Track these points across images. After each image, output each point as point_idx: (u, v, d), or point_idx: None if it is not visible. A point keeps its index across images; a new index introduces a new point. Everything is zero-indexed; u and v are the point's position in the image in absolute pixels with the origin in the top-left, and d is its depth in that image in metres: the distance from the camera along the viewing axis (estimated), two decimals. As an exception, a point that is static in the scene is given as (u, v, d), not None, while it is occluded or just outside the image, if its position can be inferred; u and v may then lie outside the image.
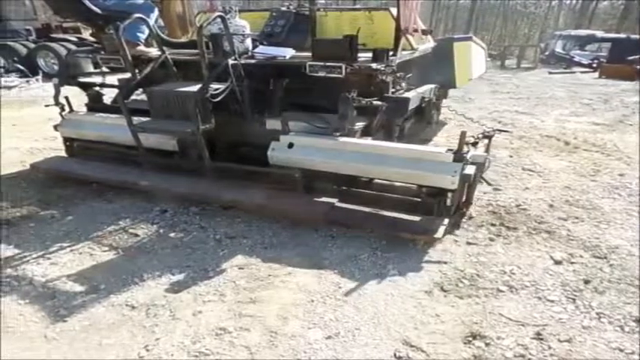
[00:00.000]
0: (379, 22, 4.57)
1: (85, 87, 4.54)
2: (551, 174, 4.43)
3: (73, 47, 10.53)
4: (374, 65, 3.40)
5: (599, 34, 16.67)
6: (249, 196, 3.40)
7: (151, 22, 4.24)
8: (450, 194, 3.10)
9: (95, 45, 12.07)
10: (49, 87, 9.50)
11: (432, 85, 4.75)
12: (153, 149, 3.91)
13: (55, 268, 2.72)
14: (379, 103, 3.60)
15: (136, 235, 3.13)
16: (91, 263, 2.79)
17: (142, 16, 3.82)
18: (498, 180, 4.25)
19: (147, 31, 4.29)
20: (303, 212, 3.21)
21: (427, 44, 4.80)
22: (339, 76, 3.43)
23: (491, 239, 3.11)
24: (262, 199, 3.32)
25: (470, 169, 3.01)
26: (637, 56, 12.41)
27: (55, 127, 4.37)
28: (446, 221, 3.03)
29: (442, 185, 3.04)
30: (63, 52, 10.43)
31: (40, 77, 10.13)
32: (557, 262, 2.83)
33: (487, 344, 2.09)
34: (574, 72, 13.40)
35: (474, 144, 3.79)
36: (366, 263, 2.79)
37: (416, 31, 3.85)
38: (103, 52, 4.35)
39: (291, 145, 3.44)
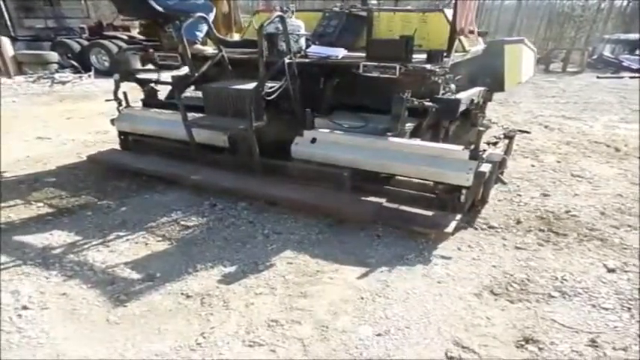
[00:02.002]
0: (433, 24, 4.55)
1: (142, 83, 4.72)
2: (602, 181, 4.30)
3: (123, 45, 10.92)
4: (428, 66, 3.40)
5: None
6: (297, 193, 3.45)
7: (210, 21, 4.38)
8: (464, 191, 3.19)
9: (144, 43, 12.49)
10: (101, 82, 9.96)
11: (481, 88, 4.69)
12: (204, 145, 4.03)
13: (114, 256, 2.85)
14: (430, 104, 3.59)
15: (188, 227, 3.24)
16: (147, 252, 2.90)
17: (204, 15, 3.94)
18: (546, 185, 4.16)
19: (204, 30, 4.43)
20: (352, 211, 3.24)
21: (478, 46, 4.74)
22: (393, 76, 3.45)
23: (540, 244, 3.06)
24: (311, 197, 3.37)
25: (485, 167, 3.10)
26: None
27: (112, 121, 4.56)
28: (458, 217, 3.12)
29: (457, 182, 3.13)
30: (114, 49, 10.84)
31: (92, 73, 10.56)
32: (611, 270, 2.76)
33: (540, 349, 2.07)
34: (622, 77, 12.87)
35: (495, 144, 3.75)
36: (414, 263, 2.80)
37: (472, 32, 3.81)
38: (160, 50, 4.51)
39: (314, 140, 3.53)
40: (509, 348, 2.09)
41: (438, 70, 3.44)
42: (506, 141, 4.21)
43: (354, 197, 3.37)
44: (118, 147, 4.68)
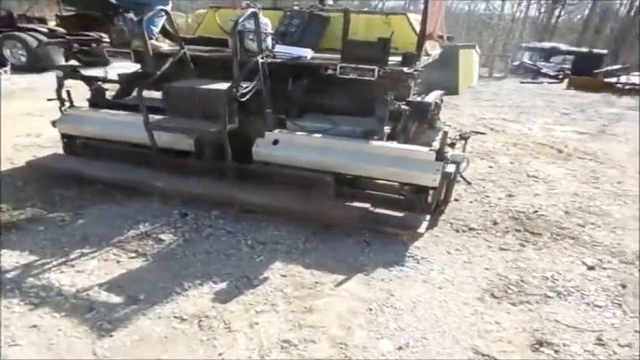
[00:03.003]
0: (396, 27, 4.55)
1: (89, 81, 4.27)
2: (555, 181, 4.55)
3: (43, 38, 9.95)
4: (405, 69, 3.39)
5: (563, 47, 17.47)
6: (278, 199, 3.29)
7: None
8: (431, 192, 3.23)
9: (67, 36, 11.49)
10: (18, 79, 8.96)
11: (441, 92, 4.79)
12: (166, 149, 3.72)
13: (83, 277, 2.51)
14: (405, 107, 3.59)
15: (161, 241, 2.95)
16: (121, 271, 2.60)
17: (165, 9, 3.64)
18: (508, 186, 4.33)
19: (160, 25, 4.10)
20: (339, 216, 3.14)
21: (437, 50, 4.84)
22: (371, 79, 3.40)
23: (522, 245, 3.15)
24: (294, 203, 3.22)
25: (450, 168, 3.17)
26: (604, 69, 13.08)
27: (53, 123, 4.08)
28: (428, 217, 3.16)
29: (424, 183, 3.17)
30: (33, 42, 9.83)
31: (8, 69, 9.50)
32: (590, 268, 2.89)
33: (556, 351, 2.10)
34: (542, 82, 13.95)
35: (452, 145, 3.86)
36: (409, 269, 2.76)
37: (441, 37, 3.86)
38: (101, 45, 4.13)
39: (276, 142, 3.42)
40: (527, 352, 2.10)
41: (414, 72, 3.44)
42: (463, 142, 4.33)
43: (338, 202, 3.27)
44: (58, 151, 4.20)
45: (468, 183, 3.82)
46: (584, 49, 16.95)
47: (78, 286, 2.42)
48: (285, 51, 4.01)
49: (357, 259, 2.86)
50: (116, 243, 2.90)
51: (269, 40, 4.00)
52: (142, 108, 3.48)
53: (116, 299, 2.33)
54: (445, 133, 3.26)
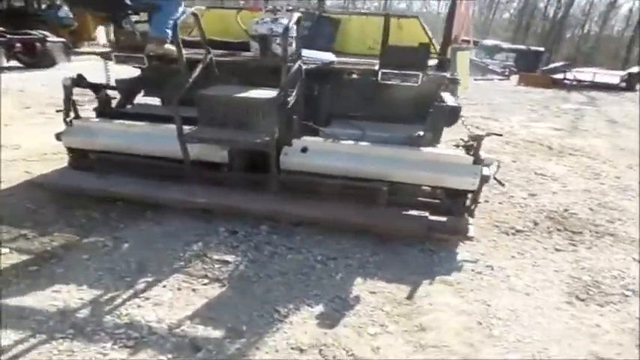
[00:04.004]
0: (408, 30, 4.57)
1: (96, 89, 3.89)
2: (562, 178, 4.79)
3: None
4: (447, 75, 3.40)
5: (505, 44, 18.47)
6: (332, 211, 3.18)
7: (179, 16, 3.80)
8: (469, 195, 3.23)
9: (9, 35, 10.53)
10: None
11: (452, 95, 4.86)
12: (195, 161, 3.48)
13: (165, 310, 2.29)
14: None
15: (226, 262, 2.76)
16: (202, 300, 2.39)
17: (194, 11, 3.40)
18: (524, 185, 4.50)
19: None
20: (405, 228, 3.08)
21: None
22: (414, 84, 3.38)
23: (572, 244, 3.28)
24: (350, 215, 3.12)
25: (487, 171, 3.17)
26: (550, 67, 13.97)
27: (58, 136, 3.68)
28: (471, 221, 3.17)
29: (464, 187, 3.16)
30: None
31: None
32: (643, 264, 3.06)
33: (666, 350, 2.19)
34: (492, 79, 14.66)
35: (468, 147, 3.95)
36: (487, 276, 2.78)
37: (466, 41, 3.91)
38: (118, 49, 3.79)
39: (304, 150, 3.30)
40: (636, 353, 2.17)
41: (457, 78, 3.47)
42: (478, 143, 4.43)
43: (393, 211, 3.22)
44: (47, 165, 3.87)
45: (502, 185, 3.91)
46: (524, 47, 18.03)
47: (167, 322, 2.19)
48: (311, 55, 3.90)
49: (431, 269, 2.84)
50: (178, 268, 2.67)
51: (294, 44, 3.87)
52: (176, 118, 3.22)
53: (217, 333, 2.14)
54: (480, 137, 3.29)
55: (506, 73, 15.35)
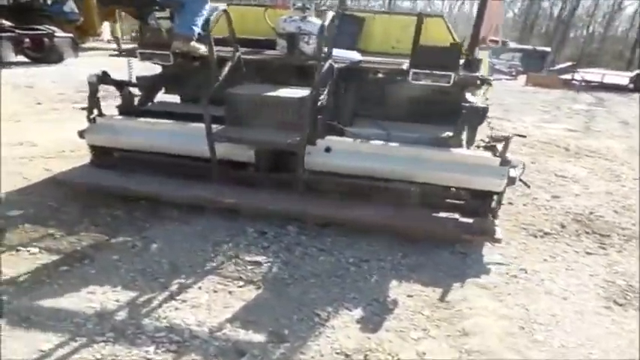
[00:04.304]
0: (431, 30, 4.51)
1: (120, 86, 3.84)
2: (583, 180, 4.77)
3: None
4: (479, 74, 3.36)
5: (512, 44, 18.41)
6: (367, 213, 3.13)
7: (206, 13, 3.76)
8: (495, 196, 3.18)
9: (17, 31, 10.45)
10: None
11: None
12: (221, 160, 3.44)
13: (204, 313, 2.25)
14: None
15: (259, 264, 2.73)
16: (240, 303, 2.36)
17: (225, 8, 3.36)
18: (546, 187, 4.48)
19: (200, 24, 3.78)
20: (438, 230, 3.05)
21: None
22: (446, 85, 3.35)
23: (602, 248, 3.26)
24: (385, 217, 3.08)
25: (513, 172, 3.14)
26: (556, 67, 13.94)
27: (81, 134, 3.63)
28: (497, 222, 3.11)
29: (491, 188, 3.12)
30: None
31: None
32: (674, 268, 3.03)
33: None
34: (501, 79, 14.61)
35: (491, 147, 3.92)
36: (525, 281, 2.75)
37: (495, 42, 3.87)
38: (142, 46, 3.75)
39: (328, 150, 3.25)
40: (687, 361, 2.15)
41: (489, 78, 3.43)
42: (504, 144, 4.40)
43: (424, 213, 3.19)
44: (65, 163, 3.89)
45: (527, 186, 3.87)
46: (530, 47, 17.98)
47: (207, 325, 2.16)
48: (337, 54, 3.86)
49: (464, 271, 2.81)
50: (211, 270, 2.64)
51: (312, 42, 3.84)
52: (206, 118, 3.19)
53: (259, 337, 2.10)
54: (508, 138, 3.26)
55: (514, 73, 15.32)
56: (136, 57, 3.85)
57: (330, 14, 3.16)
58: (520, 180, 3.55)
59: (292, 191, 3.33)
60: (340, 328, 2.20)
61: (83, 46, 14.92)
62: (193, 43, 3.76)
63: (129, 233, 2.99)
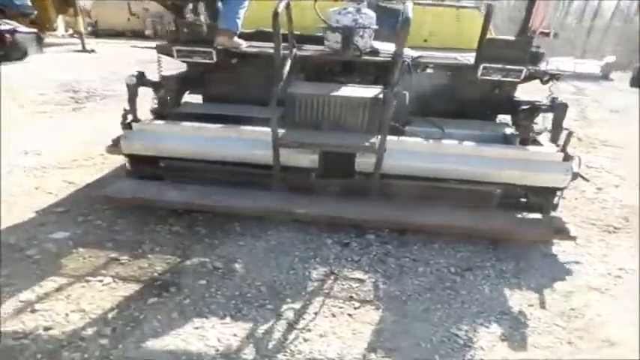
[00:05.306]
0: (466, 22, 4.41)
1: (157, 87, 3.47)
2: (614, 170, 4.81)
3: None
4: (551, 69, 3.27)
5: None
6: (446, 217, 2.97)
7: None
8: (558, 192, 3.14)
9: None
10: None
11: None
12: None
13: (337, 343, 2.02)
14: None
15: (361, 281, 2.51)
16: (368, 327, 2.14)
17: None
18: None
19: (243, 17, 3.47)
20: (521, 230, 2.94)
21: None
22: (516, 80, 3.25)
23: (676, 242, 3.25)
24: (476, 221, 2.93)
25: (576, 167, 3.09)
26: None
27: (116, 142, 3.24)
28: (564, 219, 3.05)
29: (555, 184, 3.07)
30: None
31: None
32: None
33: None
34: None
35: (534, 141, 3.90)
36: (629, 282, 2.69)
37: (546, 34, 3.79)
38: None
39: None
40: None
41: (559, 73, 3.35)
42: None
43: (510, 214, 3.07)
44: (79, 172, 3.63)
45: (587, 180, 3.83)
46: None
47: (350, 357, 1.93)
48: (384, 48, 3.67)
49: (564, 274, 2.72)
50: (315, 291, 2.40)
51: (367, 36, 3.61)
52: (273, 121, 2.90)
53: (413, 367, 1.90)
54: (570, 133, 3.19)
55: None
56: (171, 55, 3.48)
57: (410, 5, 2.95)
58: (579, 174, 3.51)
59: (361, 197, 3.11)
60: (489, 349, 2.04)
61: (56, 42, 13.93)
62: (236, 39, 3.46)
63: (201, 253, 2.68)
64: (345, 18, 3.38)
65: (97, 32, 18.40)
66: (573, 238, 2.92)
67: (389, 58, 3.27)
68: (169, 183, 3.21)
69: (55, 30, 16.18)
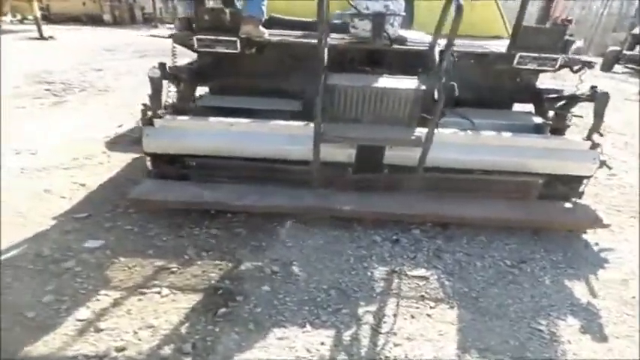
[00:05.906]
0: (480, 11, 4.36)
1: (180, 80, 3.24)
2: (616, 155, 4.95)
3: None
4: (584, 58, 3.29)
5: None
6: (488, 209, 2.95)
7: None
8: (585, 180, 3.19)
9: None
10: None
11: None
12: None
13: (428, 346, 1.95)
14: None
15: (424, 278, 2.45)
16: (451, 327, 2.09)
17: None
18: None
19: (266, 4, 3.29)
20: (571, 221, 2.98)
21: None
22: (551, 69, 3.26)
23: (702, 222, 3.37)
24: (511, 212, 2.94)
25: (602, 156, 3.14)
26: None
27: (138, 139, 3.03)
28: (592, 207, 3.13)
29: (583, 172, 3.15)
30: None
31: None
32: None
33: None
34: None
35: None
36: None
37: (569, 21, 3.81)
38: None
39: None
40: None
41: (592, 62, 3.39)
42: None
43: (550, 204, 3.09)
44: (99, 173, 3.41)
45: (610, 168, 3.90)
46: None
47: (445, 359, 1.87)
48: (412, 37, 3.59)
49: (612, 263, 2.76)
50: (385, 291, 2.32)
51: (396, 24, 3.51)
52: (317, 115, 2.77)
53: (512, 367, 1.86)
54: (598, 122, 3.21)
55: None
56: (188, 45, 3.25)
57: (456, -8, 2.86)
58: (602, 162, 3.57)
59: (400, 192, 3.05)
60: (575, 342, 2.03)
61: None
62: (261, 27, 3.28)
63: (252, 257, 2.54)
64: (376, 4, 3.26)
65: (48, 17, 17.13)
66: (607, 226, 2.97)
67: (424, 47, 3.18)
68: (197, 183, 3.02)
69: (5, 15, 15.16)
